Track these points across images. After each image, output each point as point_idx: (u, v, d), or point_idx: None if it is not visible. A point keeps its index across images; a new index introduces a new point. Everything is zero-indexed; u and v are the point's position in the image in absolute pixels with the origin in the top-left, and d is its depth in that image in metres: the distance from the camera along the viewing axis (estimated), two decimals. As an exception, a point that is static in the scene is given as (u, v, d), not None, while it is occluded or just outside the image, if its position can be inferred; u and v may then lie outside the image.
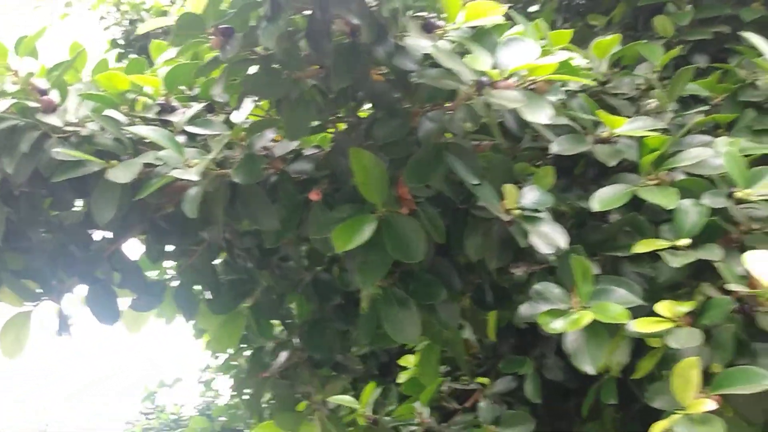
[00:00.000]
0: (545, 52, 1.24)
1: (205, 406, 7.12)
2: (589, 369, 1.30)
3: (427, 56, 1.15)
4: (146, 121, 1.42)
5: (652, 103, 1.64)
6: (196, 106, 1.45)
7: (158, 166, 1.30)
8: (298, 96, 1.24)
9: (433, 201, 1.41)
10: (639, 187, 1.48)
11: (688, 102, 1.80)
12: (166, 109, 1.43)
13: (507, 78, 1.10)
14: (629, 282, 1.41)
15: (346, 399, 2.20)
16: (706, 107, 1.78)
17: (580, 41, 1.89)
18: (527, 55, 1.12)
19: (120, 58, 4.00)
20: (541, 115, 1.08)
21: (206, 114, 1.54)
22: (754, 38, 1.71)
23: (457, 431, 2.16)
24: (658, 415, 1.40)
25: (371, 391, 2.20)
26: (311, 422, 1.69)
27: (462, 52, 1.15)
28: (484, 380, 2.31)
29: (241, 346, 2.73)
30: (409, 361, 2.51)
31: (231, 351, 3.75)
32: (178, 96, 1.49)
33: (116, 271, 1.54)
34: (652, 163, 1.50)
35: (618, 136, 1.54)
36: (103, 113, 1.35)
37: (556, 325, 1.33)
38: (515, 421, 2.00)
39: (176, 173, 1.18)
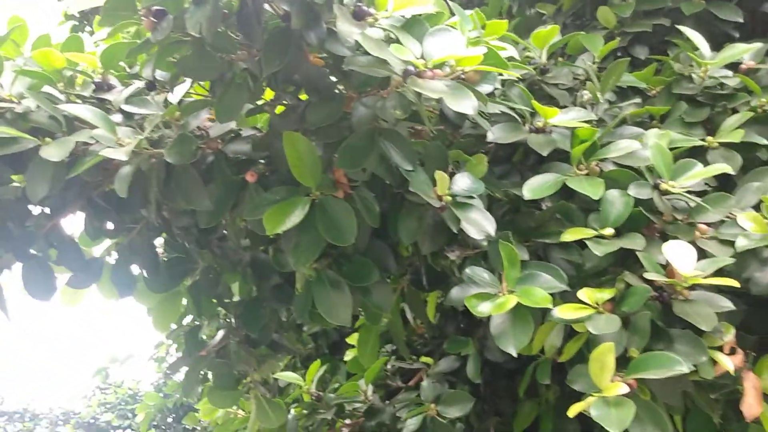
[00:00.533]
0: (476, 43, 1.26)
1: (161, 383, 7.13)
2: (512, 350, 1.34)
3: (359, 43, 1.17)
4: (83, 99, 1.42)
5: (586, 94, 1.68)
6: (135, 85, 1.45)
7: (92, 144, 1.30)
8: (231, 79, 1.25)
9: (370, 185, 1.43)
10: (569, 177, 1.52)
11: (627, 93, 1.85)
12: (103, 87, 1.43)
13: (434, 68, 1.13)
14: (556, 268, 1.46)
15: (292, 376, 2.23)
16: (643, 99, 1.83)
17: (530, 30, 1.92)
18: (453, 46, 1.14)
19: (75, 30, 3.93)
20: (465, 106, 1.11)
21: (147, 92, 1.54)
22: (689, 32, 1.76)
23: (399, 409, 2.21)
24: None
25: (316, 369, 2.24)
26: (248, 400, 1.72)
27: (394, 40, 1.17)
28: (428, 360, 2.36)
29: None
30: (355, 339, 2.55)
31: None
32: (119, 74, 1.48)
33: (53, 248, 1.53)
34: (583, 153, 1.54)
35: (552, 126, 1.58)
36: (39, 90, 1.35)
37: (483, 309, 1.37)
38: (455, 399, 2.04)
39: (106, 152, 1.18)
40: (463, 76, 1.21)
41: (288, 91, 1.37)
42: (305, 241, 1.32)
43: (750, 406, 1.45)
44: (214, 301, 1.73)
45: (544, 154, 1.56)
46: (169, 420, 6.88)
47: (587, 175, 1.54)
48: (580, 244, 1.54)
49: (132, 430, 8.14)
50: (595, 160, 1.55)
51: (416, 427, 2.03)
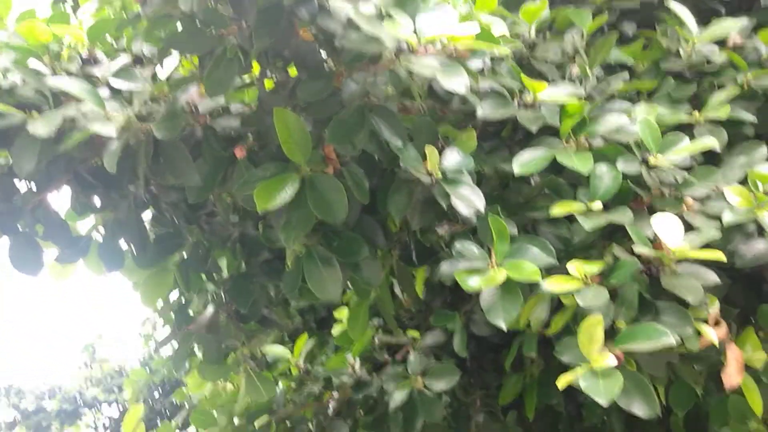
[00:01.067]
0: (467, 18, 1.26)
1: (148, 358, 7.14)
2: (502, 324, 1.36)
3: (351, 19, 1.16)
4: (70, 74, 1.39)
5: (575, 69, 1.68)
6: (122, 59, 1.43)
7: (80, 119, 1.28)
8: (221, 54, 1.23)
9: (360, 161, 1.43)
10: (558, 152, 1.53)
11: (615, 69, 1.85)
12: (90, 61, 1.41)
13: (426, 45, 1.12)
14: (544, 242, 1.47)
15: (280, 350, 2.25)
16: (631, 75, 1.83)
17: (518, 3, 1.91)
18: (446, 23, 1.14)
19: (57, 3, 3.84)
20: (457, 83, 1.11)
21: (134, 67, 1.52)
22: (677, 8, 1.76)
23: (386, 381, 2.23)
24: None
25: (304, 343, 2.25)
26: (237, 374, 1.73)
27: (386, 16, 1.16)
28: (415, 333, 2.38)
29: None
30: (343, 314, 2.57)
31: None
32: (105, 48, 1.46)
33: (40, 224, 1.52)
34: (572, 128, 1.54)
35: (541, 101, 1.58)
36: (24, 65, 1.33)
37: (473, 283, 1.39)
38: (442, 372, 2.07)
39: (95, 127, 1.17)
40: (454, 53, 1.20)
41: (277, 66, 1.36)
42: (295, 218, 1.32)
43: (730, 377, 1.48)
44: (203, 276, 1.73)
45: (534, 130, 1.56)
46: (155, 395, 6.91)
47: (576, 149, 1.54)
48: (569, 218, 1.55)
49: (118, 404, 8.16)
50: (584, 134, 1.55)
51: (403, 400, 2.05)
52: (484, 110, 1.56)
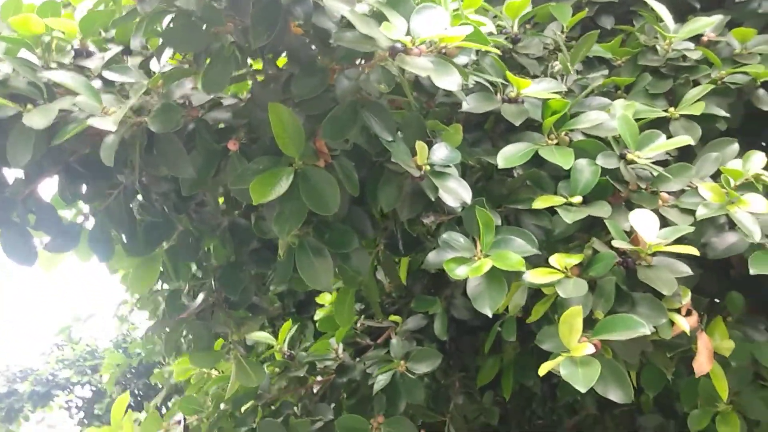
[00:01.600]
0: (456, 17, 1.29)
1: (120, 340, 7.12)
2: (488, 311, 1.41)
3: (345, 17, 1.19)
4: (62, 66, 1.41)
5: (557, 65, 1.73)
6: (113, 51, 1.44)
7: (74, 111, 1.30)
8: (218, 50, 1.26)
9: (349, 154, 1.46)
10: (540, 146, 1.58)
11: (593, 62, 1.90)
12: (82, 53, 1.42)
13: (419, 45, 1.16)
14: (528, 233, 1.52)
15: (264, 335, 2.28)
16: (609, 69, 1.88)
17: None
18: (438, 24, 1.17)
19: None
20: (450, 82, 1.15)
21: (122, 57, 1.53)
22: (655, 4, 1.82)
23: (370, 365, 2.29)
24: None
25: (288, 329, 2.29)
26: (227, 360, 1.77)
27: (378, 14, 1.20)
28: (397, 318, 2.43)
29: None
30: (325, 299, 2.61)
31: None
32: (94, 39, 1.47)
33: (31, 213, 1.54)
34: (554, 123, 1.59)
35: (525, 96, 1.63)
36: (17, 56, 1.33)
37: (460, 272, 1.44)
38: (424, 356, 2.12)
39: (93, 121, 1.19)
40: (444, 51, 1.24)
41: (268, 60, 1.39)
42: (288, 210, 1.35)
43: (701, 364, 1.56)
44: (193, 265, 1.76)
45: (517, 123, 1.61)
46: (129, 376, 6.90)
47: (557, 144, 1.60)
48: (550, 210, 1.61)
49: (91, 386, 8.12)
50: (565, 130, 1.61)
51: (386, 383, 2.11)
52: (469, 104, 1.61)
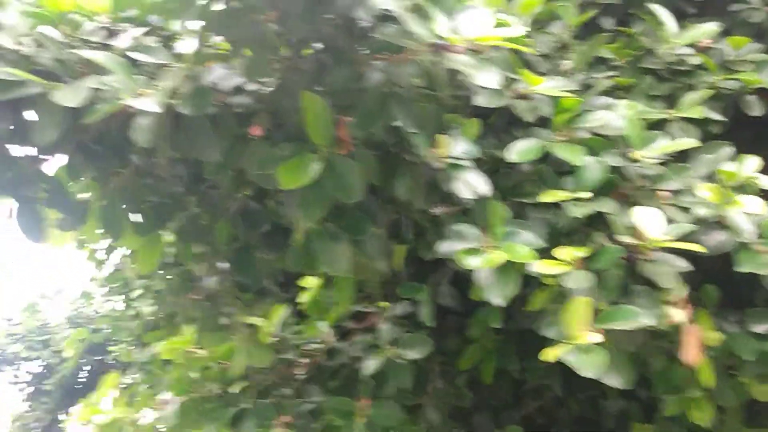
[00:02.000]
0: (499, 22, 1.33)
1: (74, 315, 7.00)
2: (500, 302, 1.46)
3: (384, 11, 1.21)
4: (87, 44, 1.39)
5: (566, 64, 1.78)
6: (137, 31, 1.43)
7: (103, 90, 1.29)
8: (261, 37, 1.26)
9: (366, 143, 1.49)
10: (551, 143, 1.64)
11: (595, 63, 1.97)
12: (111, 33, 1.40)
13: (461, 43, 1.19)
14: (534, 226, 1.58)
15: (254, 318, 2.30)
16: (612, 71, 1.95)
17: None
18: (483, 24, 1.21)
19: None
20: (490, 80, 1.19)
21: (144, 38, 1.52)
22: (656, 9, 1.89)
23: (359, 350, 2.33)
24: (533, 338, 1.60)
25: (280, 312, 2.31)
26: (234, 341, 1.78)
27: (416, 10, 1.22)
28: (384, 304, 2.47)
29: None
30: (310, 282, 2.63)
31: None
32: (114, 17, 1.46)
33: (44, 191, 1.52)
34: (565, 121, 1.65)
35: (536, 93, 1.68)
36: (44, 32, 1.32)
37: (472, 262, 1.49)
38: (414, 342, 2.18)
39: (135, 102, 1.19)
40: (476, 49, 1.28)
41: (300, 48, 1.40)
42: (313, 197, 1.37)
43: (691, 354, 1.64)
44: (205, 246, 1.76)
45: (529, 120, 1.66)
46: (84, 353, 6.79)
47: (567, 141, 1.65)
48: (554, 204, 1.67)
49: (41, 360, 7.97)
50: (574, 127, 1.67)
51: (376, 368, 2.15)
52: (481, 99, 1.65)
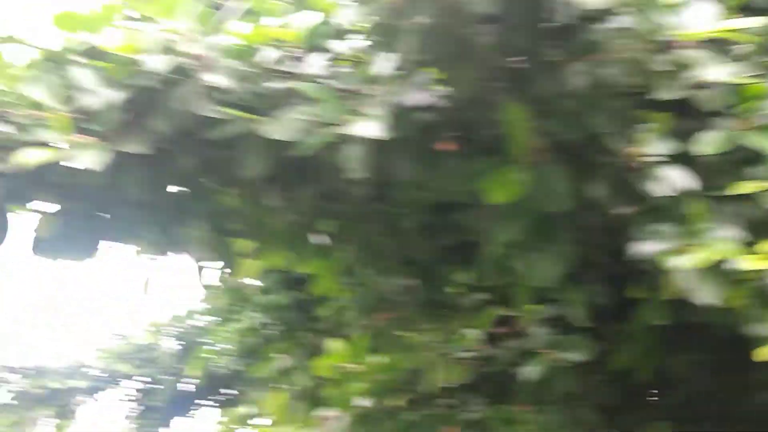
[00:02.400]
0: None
1: (183, 332, 7.13)
2: (714, 301, 1.41)
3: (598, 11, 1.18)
4: (275, 74, 1.40)
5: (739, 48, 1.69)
6: (321, 57, 1.44)
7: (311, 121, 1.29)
8: (469, 54, 1.25)
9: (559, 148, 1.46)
10: (740, 132, 1.56)
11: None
12: (302, 61, 1.41)
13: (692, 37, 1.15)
14: (731, 221, 1.52)
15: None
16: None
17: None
18: (709, 19, 1.17)
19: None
20: (720, 72, 1.14)
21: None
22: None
23: (514, 355, 2.29)
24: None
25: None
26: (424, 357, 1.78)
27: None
28: (532, 307, 2.43)
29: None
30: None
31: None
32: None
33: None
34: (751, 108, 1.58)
35: (716, 82, 1.61)
36: (243, 67, 1.34)
37: (677, 263, 1.44)
38: (573, 345, 2.13)
39: (360, 129, 1.19)
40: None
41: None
42: (516, 209, 1.35)
43: None
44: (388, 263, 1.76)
45: (710, 109, 1.59)
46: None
47: (754, 128, 1.58)
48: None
49: (149, 378, 8.16)
50: (757, 114, 1.59)
51: (537, 373, 2.12)
52: (663, 91, 1.59)
